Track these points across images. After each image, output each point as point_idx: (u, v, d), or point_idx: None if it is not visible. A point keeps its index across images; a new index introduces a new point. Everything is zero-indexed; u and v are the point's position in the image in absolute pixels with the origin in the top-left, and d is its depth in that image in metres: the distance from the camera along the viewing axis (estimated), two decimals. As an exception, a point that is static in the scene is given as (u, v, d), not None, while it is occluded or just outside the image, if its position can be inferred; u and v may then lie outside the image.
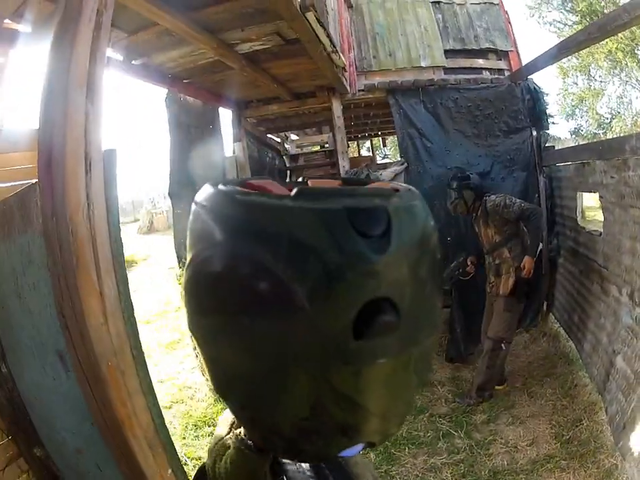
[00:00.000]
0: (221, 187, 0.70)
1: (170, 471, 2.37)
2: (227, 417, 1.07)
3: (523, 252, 5.95)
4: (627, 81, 26.83)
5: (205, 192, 0.72)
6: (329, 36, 5.24)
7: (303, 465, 0.95)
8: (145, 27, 4.55)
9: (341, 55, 6.42)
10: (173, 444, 2.68)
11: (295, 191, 0.63)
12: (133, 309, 2.43)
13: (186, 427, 6.27)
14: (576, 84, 28.03)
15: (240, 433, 0.95)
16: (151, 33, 4.66)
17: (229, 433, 1.00)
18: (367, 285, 0.61)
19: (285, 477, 0.94)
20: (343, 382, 0.65)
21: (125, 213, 35.47)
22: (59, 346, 2.41)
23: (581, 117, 28.70)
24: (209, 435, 6.01)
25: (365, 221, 0.61)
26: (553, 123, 27.84)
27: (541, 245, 6.75)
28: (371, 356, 0.63)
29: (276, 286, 0.61)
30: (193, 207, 0.73)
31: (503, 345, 6.00)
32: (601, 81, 27.43)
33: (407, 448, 5.41)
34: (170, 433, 2.80)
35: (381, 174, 7.74)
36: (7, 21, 3.59)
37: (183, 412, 6.73)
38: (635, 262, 4.51)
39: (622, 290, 4.83)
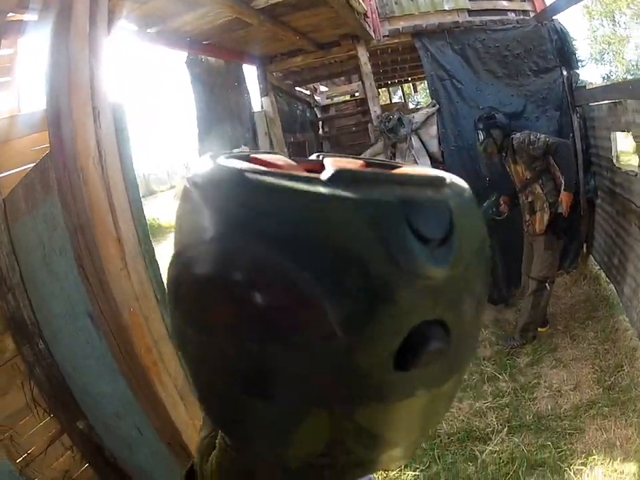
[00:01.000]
0: (223, 161, 0.50)
1: (204, 422, 2.36)
2: None
3: (555, 188, 5.90)
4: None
5: (201, 167, 0.52)
6: (344, -19, 5.13)
7: None
8: (157, -7, 4.43)
9: (361, 0, 6.36)
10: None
11: (329, 172, 0.45)
12: (153, 253, 2.41)
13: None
14: (602, 26, 27.52)
15: None
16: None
17: (213, 431, 0.84)
18: (421, 305, 0.45)
19: None
20: (370, 419, 0.50)
21: (161, 182, 36.24)
22: (89, 307, 2.41)
23: (610, 63, 28.34)
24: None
25: (425, 220, 0.44)
26: (582, 66, 27.81)
27: (579, 185, 6.90)
28: (409, 389, 0.48)
29: (300, 304, 0.44)
30: (185, 185, 0.53)
31: (547, 284, 6.00)
32: (625, 27, 26.97)
33: (452, 392, 5.44)
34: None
35: (413, 116, 7.68)
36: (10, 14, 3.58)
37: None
38: (672, 198, 4.39)
39: (659, 232, 4.70)
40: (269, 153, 0.56)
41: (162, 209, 21.37)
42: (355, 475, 0.57)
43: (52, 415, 3.16)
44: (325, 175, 0.45)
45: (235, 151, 0.58)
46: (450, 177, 0.50)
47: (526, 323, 6.13)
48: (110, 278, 1.94)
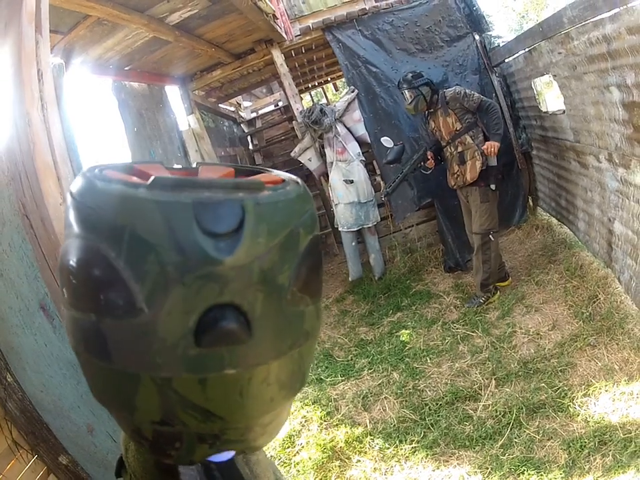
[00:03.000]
0: (86, 172, 0.61)
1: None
2: None
3: (485, 140, 5.92)
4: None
5: (75, 178, 0.63)
6: (249, -17, 5.24)
7: None
8: (78, 23, 4.57)
9: (268, 1, 6.41)
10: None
11: (150, 179, 0.56)
12: None
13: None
14: (515, -2, 27.87)
15: None
16: (84, 28, 4.67)
17: None
18: (208, 289, 0.54)
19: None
20: (189, 390, 0.59)
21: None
22: (40, 296, 2.55)
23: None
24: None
25: (212, 217, 0.55)
26: (502, 41, 28.59)
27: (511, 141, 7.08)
28: (216, 365, 0.57)
29: (117, 285, 0.55)
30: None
31: (490, 235, 6.02)
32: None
33: (427, 359, 5.49)
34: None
35: (334, 105, 7.81)
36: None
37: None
38: (604, 125, 4.53)
39: (599, 157, 4.87)
40: (151, 163, 0.66)
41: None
42: (203, 450, 0.66)
43: (35, 455, 3.09)
44: (148, 182, 0.56)
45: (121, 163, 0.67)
46: (285, 184, 0.63)
47: (484, 279, 6.18)
48: (50, 210, 2.08)
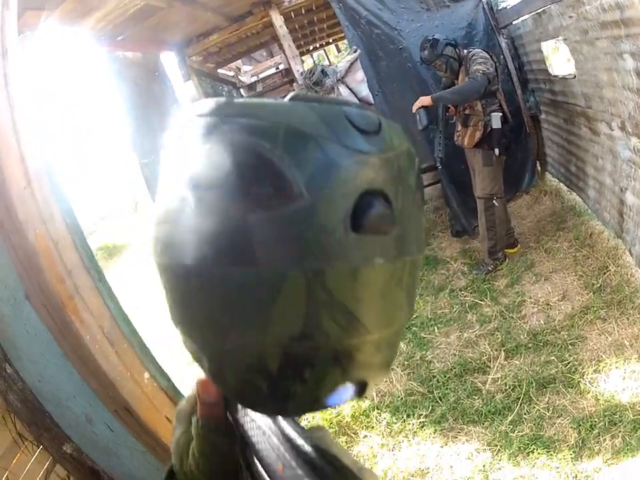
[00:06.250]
0: (221, 99, 0.63)
1: (147, 374, 2.24)
2: (182, 412, 0.93)
3: (502, 113, 5.74)
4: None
5: (205, 104, 0.64)
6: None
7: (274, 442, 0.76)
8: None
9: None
10: (142, 340, 2.56)
11: (289, 95, 0.63)
12: (57, 175, 2.43)
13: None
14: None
15: (198, 419, 0.83)
16: (73, 1, 4.58)
17: (188, 427, 0.87)
18: (364, 174, 0.58)
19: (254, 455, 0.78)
20: (340, 285, 0.58)
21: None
22: (24, 285, 2.42)
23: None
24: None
25: (361, 119, 0.61)
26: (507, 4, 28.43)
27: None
28: (368, 253, 0.59)
29: (272, 172, 0.56)
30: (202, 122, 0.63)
31: (494, 200, 5.90)
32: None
33: (435, 328, 5.45)
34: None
35: (336, 66, 7.67)
36: None
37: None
38: (617, 92, 4.39)
39: (612, 124, 4.74)
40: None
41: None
42: (335, 378, 0.65)
43: (40, 446, 3.03)
44: (287, 97, 0.63)
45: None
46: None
47: (491, 246, 6.08)
48: (13, 196, 2.03)
